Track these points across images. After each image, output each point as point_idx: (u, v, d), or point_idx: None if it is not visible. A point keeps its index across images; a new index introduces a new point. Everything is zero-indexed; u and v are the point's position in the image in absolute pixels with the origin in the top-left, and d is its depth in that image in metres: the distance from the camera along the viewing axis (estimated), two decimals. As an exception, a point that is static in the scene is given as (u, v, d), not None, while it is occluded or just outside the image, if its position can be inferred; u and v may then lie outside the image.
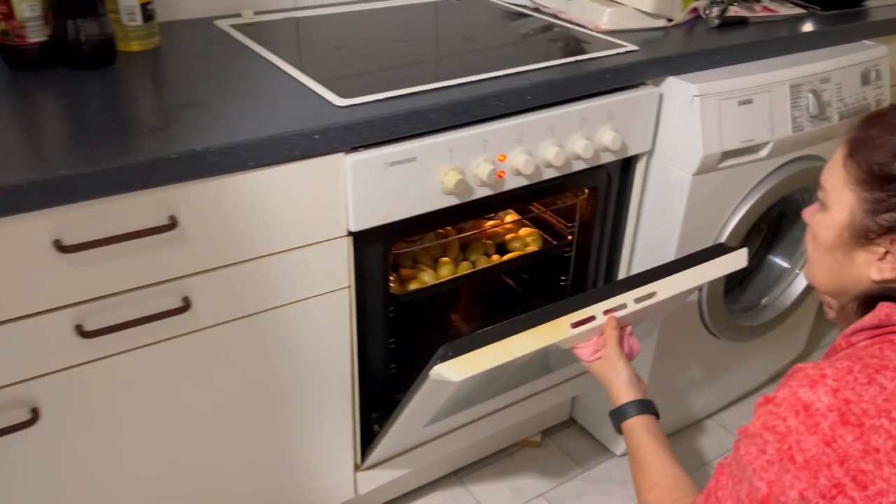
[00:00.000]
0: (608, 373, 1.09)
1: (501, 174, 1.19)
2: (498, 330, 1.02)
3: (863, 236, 0.82)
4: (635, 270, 1.52)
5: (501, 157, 1.18)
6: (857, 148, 0.82)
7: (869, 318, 0.80)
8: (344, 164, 1.04)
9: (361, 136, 1.04)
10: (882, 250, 0.81)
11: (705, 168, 1.34)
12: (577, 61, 1.25)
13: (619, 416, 1.06)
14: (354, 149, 1.05)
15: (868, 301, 0.83)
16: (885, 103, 1.58)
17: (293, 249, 1.07)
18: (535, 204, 1.53)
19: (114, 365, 0.99)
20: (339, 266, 1.12)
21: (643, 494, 1.00)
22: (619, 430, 1.07)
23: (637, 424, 1.04)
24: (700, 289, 1.51)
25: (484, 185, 1.18)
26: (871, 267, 0.83)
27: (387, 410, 1.32)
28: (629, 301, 1.11)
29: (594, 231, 1.45)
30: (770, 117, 1.38)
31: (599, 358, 1.10)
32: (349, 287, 1.15)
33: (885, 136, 0.80)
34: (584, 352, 1.12)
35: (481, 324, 1.59)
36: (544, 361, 1.36)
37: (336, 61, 1.26)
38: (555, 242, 1.51)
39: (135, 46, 1.23)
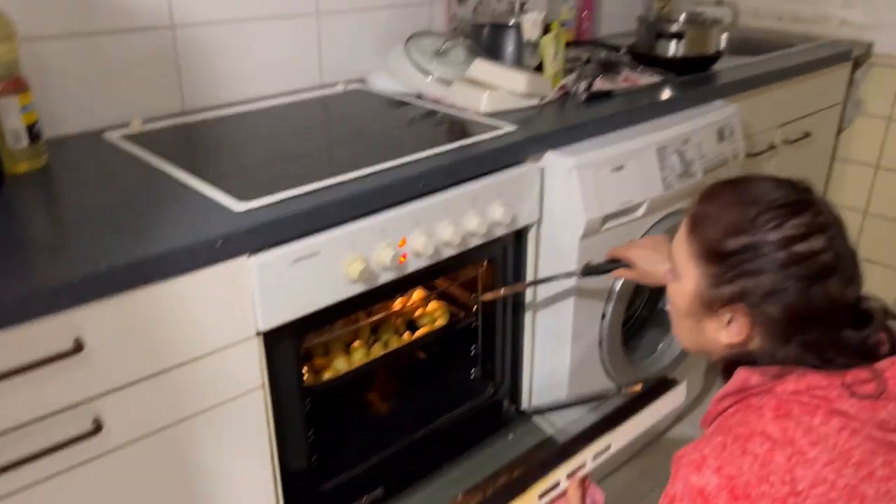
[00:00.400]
0: None
1: (403, 258, 1.25)
2: None
3: (708, 307, 0.88)
4: (539, 334, 1.59)
5: (402, 242, 1.24)
6: (695, 224, 0.90)
7: (731, 384, 0.89)
8: (249, 267, 1.07)
9: (263, 238, 1.07)
10: (727, 318, 0.88)
11: (590, 231, 1.44)
12: (463, 146, 1.34)
13: None
14: (258, 250, 1.08)
15: (730, 365, 0.91)
16: (741, 157, 1.75)
17: (204, 356, 1.07)
18: (440, 279, 1.59)
19: (22, 501, 0.96)
20: (251, 366, 1.13)
21: None
22: None
23: None
24: (600, 342, 1.60)
25: (387, 269, 1.22)
26: (720, 334, 0.89)
27: (313, 502, 1.32)
28: (588, 459, 1.16)
29: (497, 300, 1.52)
30: (642, 179, 1.50)
31: None
32: (263, 386, 1.15)
33: (718, 213, 0.87)
34: None
35: (399, 402, 1.61)
36: None
37: (231, 165, 1.29)
38: (461, 314, 1.57)
39: (22, 167, 1.22)
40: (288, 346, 1.18)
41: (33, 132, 1.21)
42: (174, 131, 1.45)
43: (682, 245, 0.92)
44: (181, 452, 1.10)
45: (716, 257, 0.86)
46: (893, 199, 2.40)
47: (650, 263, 1.28)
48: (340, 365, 1.41)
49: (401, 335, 1.54)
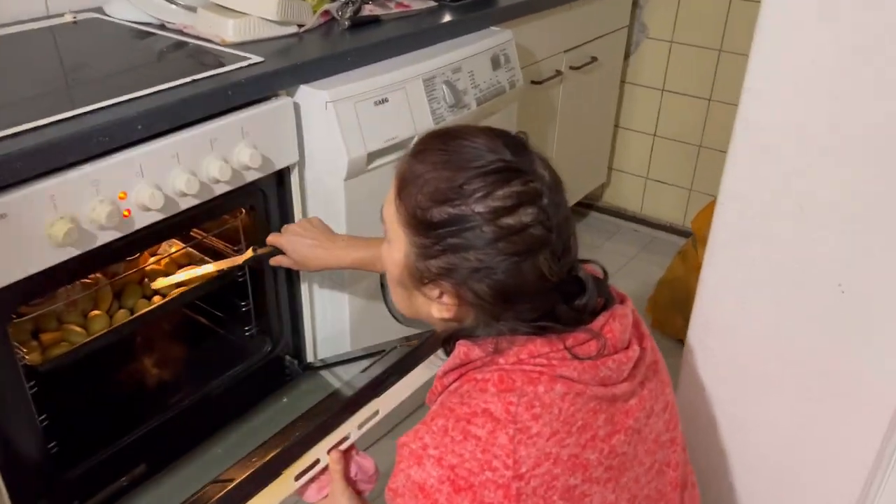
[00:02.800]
0: None
1: (127, 213, 1.09)
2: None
3: (418, 279, 0.80)
4: (315, 285, 1.49)
5: (122, 195, 1.08)
6: (403, 186, 0.79)
7: (452, 360, 0.82)
8: None
9: (-81, 203, 0.88)
10: (437, 292, 0.80)
11: (355, 172, 1.34)
12: (192, 81, 1.18)
13: None
14: (-83, 217, 0.89)
15: (450, 337, 0.83)
16: (519, 84, 1.70)
17: None
18: (195, 231, 1.44)
19: None
20: (-66, 355, 0.95)
21: None
22: None
23: None
24: (382, 285, 1.52)
25: (106, 228, 1.06)
26: (432, 307, 0.82)
27: (59, 493, 1.17)
28: (352, 430, 1.06)
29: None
30: (409, 113, 1.41)
31: (326, 496, 1.05)
32: (-45, 377, 0.98)
33: (426, 175, 0.77)
34: (310, 494, 1.06)
35: (165, 370, 1.47)
36: None
37: None
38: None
39: None
40: (-12, 324, 1.01)
41: None
42: None
43: (391, 206, 0.82)
44: None
45: (422, 227, 0.77)
46: (678, 122, 2.48)
47: (300, 248, 1.23)
48: (77, 338, 1.24)
49: (150, 300, 1.38)
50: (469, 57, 1.55)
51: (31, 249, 0.99)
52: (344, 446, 1.06)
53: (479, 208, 0.74)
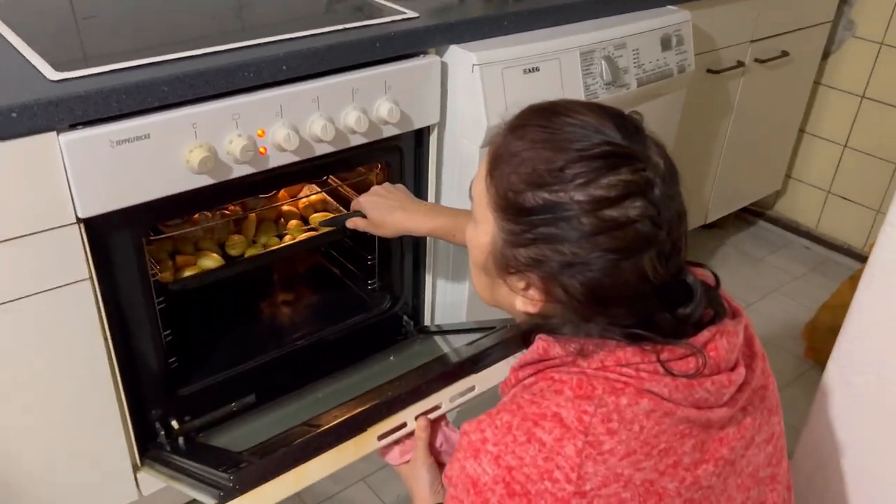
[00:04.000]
0: (411, 480, 1.01)
1: (263, 150, 1.12)
2: (295, 450, 0.94)
3: (503, 268, 0.73)
4: (440, 250, 1.48)
5: (260, 133, 1.11)
6: (496, 164, 0.71)
7: (530, 353, 0.75)
8: (58, 145, 0.95)
9: (74, 114, 0.94)
10: (523, 284, 0.73)
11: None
12: (343, 29, 1.19)
13: None
14: (73, 127, 0.96)
15: (531, 330, 0.77)
16: (690, 70, 1.58)
17: (14, 239, 0.97)
18: (332, 178, 1.47)
19: None
20: (74, 256, 1.03)
21: None
22: None
23: None
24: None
25: (241, 162, 1.10)
26: (516, 299, 0.74)
27: (172, 406, 1.24)
28: (444, 401, 1.04)
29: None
30: (560, 85, 1.35)
31: (407, 461, 1.03)
32: (90, 278, 1.06)
33: (523, 154, 0.69)
34: (391, 456, 1.05)
35: (288, 309, 1.52)
36: None
37: (76, 32, 1.15)
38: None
39: None
40: (125, 237, 1.08)
41: None
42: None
43: (481, 184, 0.74)
44: (8, 335, 1.02)
45: (513, 211, 0.70)
46: (876, 134, 2.21)
47: (380, 211, 1.17)
48: (209, 263, 1.30)
49: (281, 239, 1.43)
50: (637, 34, 1.45)
51: (169, 172, 1.05)
52: (433, 415, 1.04)
53: (579, 196, 0.66)
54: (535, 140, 0.69)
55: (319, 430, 1.00)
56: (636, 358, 0.69)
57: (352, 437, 0.99)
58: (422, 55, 1.26)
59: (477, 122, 1.28)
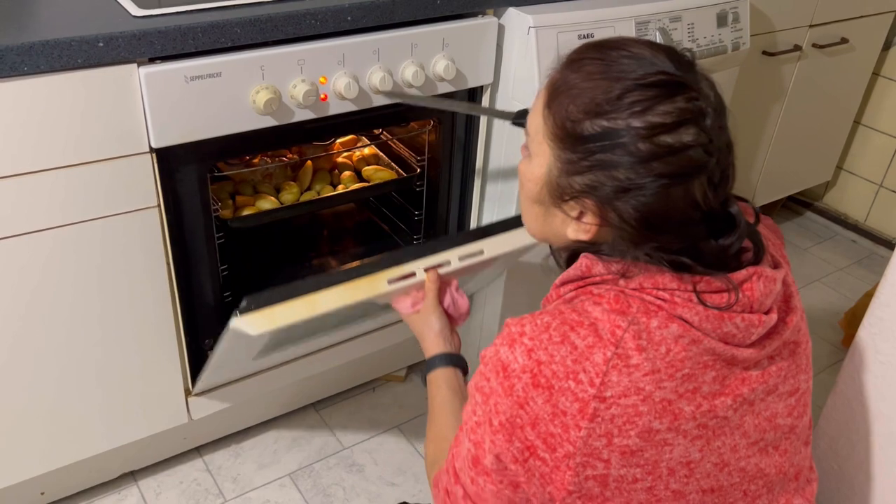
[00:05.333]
0: (421, 325, 1.06)
1: (324, 97, 1.18)
2: (310, 283, 0.99)
3: (558, 196, 0.76)
4: (487, 208, 1.52)
5: (323, 80, 1.17)
6: (553, 96, 0.74)
7: (573, 270, 0.79)
8: (137, 76, 1.02)
9: (154, 48, 1.01)
10: (577, 211, 0.76)
11: (544, 101, 1.34)
12: (406, -15, 1.23)
13: (428, 367, 1.03)
14: (150, 60, 1.03)
15: (574, 254, 0.81)
16: (745, 49, 1.59)
17: (91, 163, 1.05)
18: (384, 133, 1.52)
19: None
20: (145, 183, 1.10)
21: (427, 447, 0.97)
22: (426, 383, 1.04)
23: (440, 377, 1.00)
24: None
25: (303, 107, 1.16)
26: (568, 227, 0.78)
27: (222, 337, 1.32)
28: (453, 258, 1.09)
29: (443, 165, 1.45)
30: (613, 53, 1.37)
31: (418, 311, 1.08)
32: (158, 206, 1.13)
33: (581, 84, 0.72)
34: (402, 305, 1.09)
35: (340, 258, 1.59)
36: (372, 311, 1.35)
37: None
38: (405, 174, 1.51)
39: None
40: (191, 170, 1.15)
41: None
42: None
43: (537, 117, 0.77)
44: (70, 257, 1.10)
45: (570, 140, 0.72)
46: (933, 129, 2.19)
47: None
48: (266, 205, 1.37)
49: (335, 188, 1.49)
50: (694, 7, 1.46)
51: (236, 110, 1.11)
52: (442, 271, 1.08)
53: (636, 123, 0.69)
54: (591, 72, 0.72)
55: (333, 271, 1.04)
56: (673, 284, 0.73)
57: (365, 275, 1.03)
58: (480, 15, 1.30)
59: (530, 85, 1.32)
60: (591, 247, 0.78)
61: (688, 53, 0.74)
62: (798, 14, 1.84)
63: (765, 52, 1.82)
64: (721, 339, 0.73)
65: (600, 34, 1.35)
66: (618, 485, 0.72)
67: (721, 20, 1.52)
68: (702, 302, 0.72)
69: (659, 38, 1.42)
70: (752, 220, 0.77)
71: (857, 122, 2.33)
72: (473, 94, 1.38)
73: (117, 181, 1.08)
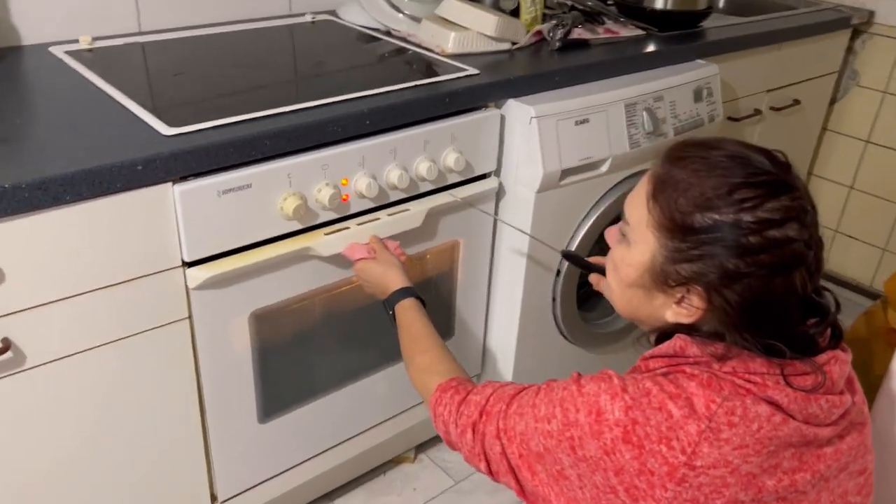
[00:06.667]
0: (382, 267, 1.18)
1: (346, 198, 1.21)
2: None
3: (663, 282, 0.81)
4: (498, 282, 1.56)
5: (344, 181, 1.20)
6: (660, 190, 0.80)
7: (666, 347, 0.83)
8: (172, 195, 1.03)
9: (189, 166, 1.02)
10: (679, 296, 0.81)
11: (547, 185, 1.40)
12: (416, 86, 1.28)
13: (392, 301, 1.14)
14: (184, 178, 1.04)
15: (663, 332, 0.86)
16: (719, 119, 1.69)
17: (124, 282, 1.04)
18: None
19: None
20: (177, 296, 1.10)
21: (415, 359, 1.06)
22: (393, 318, 1.13)
23: (412, 304, 1.12)
24: (553, 299, 1.57)
25: (327, 209, 1.19)
26: (668, 311, 0.83)
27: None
28: (383, 216, 1.25)
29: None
30: (607, 135, 1.45)
31: (364, 259, 1.20)
32: (188, 318, 1.13)
33: (688, 180, 0.78)
34: (356, 251, 1.21)
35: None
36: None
37: (171, 88, 1.24)
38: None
39: (-47, 75, 1.17)
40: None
41: (-34, 39, 1.16)
42: (125, 50, 1.39)
43: (640, 209, 0.82)
44: (100, 378, 1.08)
45: (681, 231, 0.78)
46: (880, 176, 2.34)
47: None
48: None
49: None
50: (672, 87, 1.56)
51: (264, 219, 1.13)
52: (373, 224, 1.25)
53: (748, 217, 0.75)
54: (697, 169, 0.78)
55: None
56: (763, 368, 0.78)
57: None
58: (483, 108, 1.36)
59: (534, 169, 1.38)
60: (686, 329, 0.83)
61: (781, 155, 0.80)
62: (757, 81, 1.97)
63: (730, 118, 1.93)
64: (805, 420, 0.78)
65: (595, 119, 1.42)
66: None
67: (697, 95, 1.62)
68: (789, 385, 0.78)
69: (646, 118, 1.50)
70: (835, 311, 0.83)
71: (809, 174, 2.48)
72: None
73: (150, 297, 1.08)
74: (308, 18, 1.67)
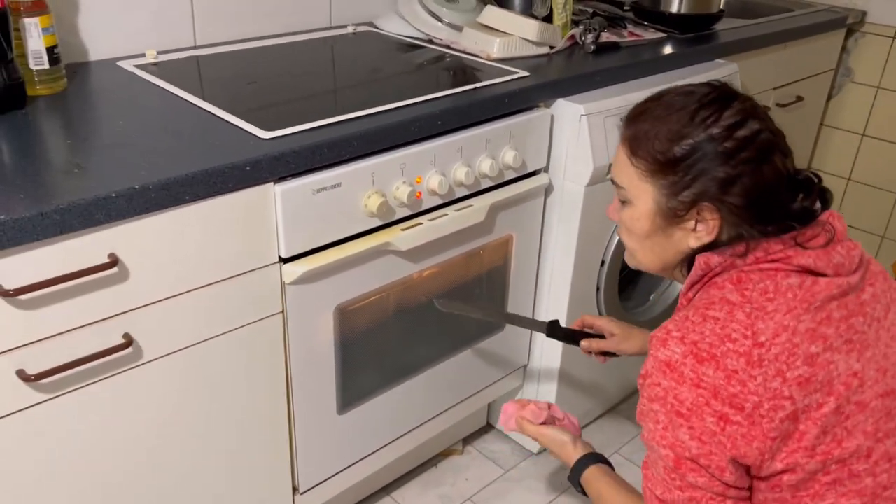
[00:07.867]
0: (557, 438, 1.18)
1: (419, 195, 1.28)
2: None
3: (673, 216, 0.92)
4: (545, 273, 1.64)
5: (418, 179, 1.27)
6: (636, 146, 0.92)
7: (694, 272, 0.93)
8: (273, 194, 1.09)
9: (290, 166, 1.09)
10: (693, 222, 0.91)
11: (596, 179, 1.48)
12: (477, 88, 1.36)
13: (575, 473, 1.12)
14: (282, 178, 1.10)
15: (691, 262, 0.95)
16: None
17: (228, 279, 1.10)
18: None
19: (59, 405, 0.99)
20: (273, 292, 1.16)
21: None
22: (581, 489, 1.11)
23: (594, 475, 1.10)
24: (598, 289, 1.65)
25: (404, 206, 1.25)
26: (689, 239, 0.93)
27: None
28: (450, 212, 1.32)
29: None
30: (647, 131, 1.54)
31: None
32: (282, 312, 1.18)
33: (655, 126, 0.90)
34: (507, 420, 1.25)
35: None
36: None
37: (250, 96, 1.30)
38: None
39: (42, 90, 1.22)
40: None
41: (53, 55, 1.21)
42: (187, 63, 1.45)
43: (627, 169, 0.94)
44: (204, 371, 1.13)
45: (668, 166, 0.89)
46: (876, 167, 2.47)
47: (621, 326, 1.33)
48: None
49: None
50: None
51: (351, 216, 1.19)
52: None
53: (716, 130, 0.87)
54: (657, 115, 0.91)
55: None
56: (780, 246, 0.88)
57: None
58: (535, 108, 1.44)
59: (584, 165, 1.46)
60: (707, 248, 0.92)
61: (715, 81, 0.93)
62: (766, 79, 2.08)
63: (743, 115, 2.04)
64: (835, 271, 0.88)
65: (637, 115, 1.51)
66: (807, 415, 0.83)
67: (721, 93, 1.72)
68: (805, 247, 0.88)
69: (680, 114, 1.59)
70: (819, 181, 0.93)
71: (808, 168, 2.61)
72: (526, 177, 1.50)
73: (250, 292, 1.13)
74: (349, 30, 1.74)
